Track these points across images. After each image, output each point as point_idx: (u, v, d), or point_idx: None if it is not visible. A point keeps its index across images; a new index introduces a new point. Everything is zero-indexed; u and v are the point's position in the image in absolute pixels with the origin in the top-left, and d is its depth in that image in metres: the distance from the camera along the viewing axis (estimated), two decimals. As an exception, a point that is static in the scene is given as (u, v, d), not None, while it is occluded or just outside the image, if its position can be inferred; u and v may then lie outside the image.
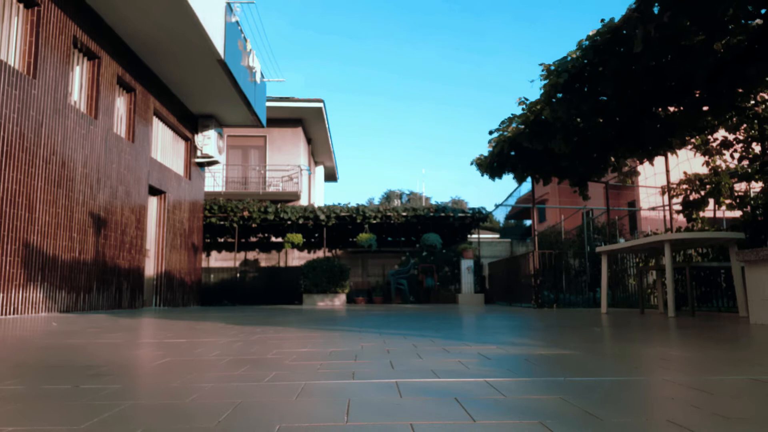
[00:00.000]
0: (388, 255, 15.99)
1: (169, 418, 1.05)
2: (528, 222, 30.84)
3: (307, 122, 20.03)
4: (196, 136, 13.17)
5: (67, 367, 1.80)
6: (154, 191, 11.20)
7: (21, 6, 7.04)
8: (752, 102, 6.84)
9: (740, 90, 6.29)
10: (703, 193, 7.99)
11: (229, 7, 10.49)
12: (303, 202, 19.98)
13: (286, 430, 0.95)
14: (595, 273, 10.24)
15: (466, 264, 13.90)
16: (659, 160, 16.22)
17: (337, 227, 15.98)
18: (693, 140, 7.97)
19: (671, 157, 13.45)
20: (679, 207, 8.45)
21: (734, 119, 7.21)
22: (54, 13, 7.45)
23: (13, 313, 6.49)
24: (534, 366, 1.80)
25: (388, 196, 61.79)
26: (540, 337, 3.05)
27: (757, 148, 7.54)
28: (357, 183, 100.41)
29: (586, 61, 5.95)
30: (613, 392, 1.30)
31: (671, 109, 7.04)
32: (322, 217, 15.48)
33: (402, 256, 15.71)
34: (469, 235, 17.14)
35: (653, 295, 8.27)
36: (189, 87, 11.48)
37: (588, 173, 8.73)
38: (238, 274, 15.08)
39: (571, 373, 1.62)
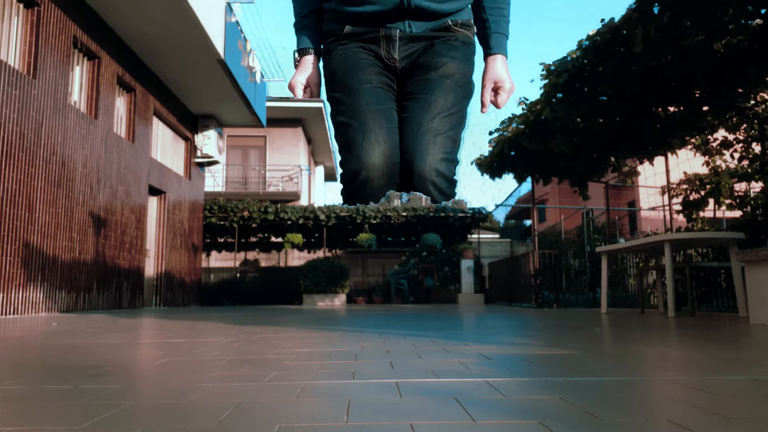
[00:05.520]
0: (388, 255, 15.99)
1: (169, 418, 1.05)
2: (528, 222, 30.86)
3: (307, 122, 20.03)
4: (196, 136, 13.16)
5: (67, 367, 1.80)
6: (154, 191, 11.20)
7: (21, 6, 7.04)
8: (752, 102, 6.84)
9: (740, 90, 6.29)
10: (703, 193, 7.99)
11: (229, 7, 10.49)
12: (303, 202, 19.98)
13: (286, 430, 0.95)
14: (595, 273, 10.23)
15: (466, 264, 13.90)
16: (659, 160, 16.20)
17: (337, 227, 15.98)
18: (693, 140, 7.97)
19: (671, 157, 13.44)
20: (679, 207, 8.45)
21: (734, 119, 7.21)
22: (54, 13, 7.45)
23: (13, 313, 6.49)
24: (534, 366, 1.80)
25: (388, 196, 61.88)
26: (540, 337, 3.05)
27: (757, 148, 7.54)
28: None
29: (586, 61, 5.95)
30: (613, 392, 1.30)
31: (671, 109, 7.04)
32: (322, 217, 15.48)
33: (402, 256, 15.71)
34: (469, 235, 17.13)
35: (653, 295, 8.27)
36: (189, 87, 11.47)
37: (588, 173, 8.73)
38: (238, 274, 15.08)
39: (571, 373, 1.62)
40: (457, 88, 1.55)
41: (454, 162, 1.51)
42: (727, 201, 7.66)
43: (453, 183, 1.51)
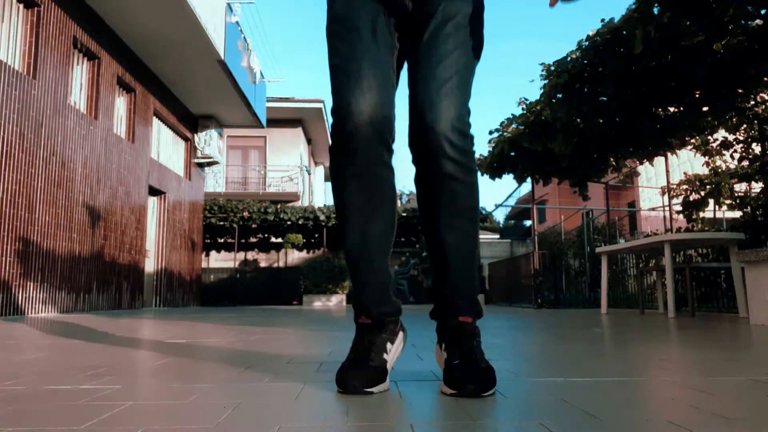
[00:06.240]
0: (388, 255, 15.96)
1: (169, 418, 1.05)
2: (528, 222, 30.83)
3: (307, 122, 20.04)
4: (196, 136, 13.17)
5: (67, 367, 1.80)
6: (154, 191, 11.20)
7: (21, 6, 7.04)
8: (752, 102, 6.84)
9: (740, 90, 6.30)
10: (703, 193, 7.99)
11: (229, 7, 10.49)
12: (303, 202, 19.98)
13: (286, 431, 0.95)
14: (595, 273, 10.23)
15: (466, 264, 13.88)
16: (659, 160, 16.21)
17: (337, 227, 15.97)
18: (693, 141, 7.97)
19: (671, 158, 13.45)
20: (679, 207, 8.45)
21: (734, 120, 7.21)
22: (54, 13, 7.45)
23: (13, 313, 6.48)
24: (534, 366, 1.81)
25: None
26: (540, 337, 3.06)
27: (757, 148, 7.54)
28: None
29: (585, 61, 5.95)
30: (613, 392, 1.30)
31: (671, 109, 7.04)
32: (322, 217, 15.48)
33: (402, 257, 15.70)
34: (469, 236, 17.11)
35: (653, 295, 8.27)
36: (189, 87, 11.48)
37: (588, 174, 8.73)
38: (237, 275, 15.08)
39: (571, 373, 1.62)
40: (468, 32, 1.43)
41: (467, 113, 1.40)
42: (728, 201, 7.66)
43: (467, 137, 1.39)
